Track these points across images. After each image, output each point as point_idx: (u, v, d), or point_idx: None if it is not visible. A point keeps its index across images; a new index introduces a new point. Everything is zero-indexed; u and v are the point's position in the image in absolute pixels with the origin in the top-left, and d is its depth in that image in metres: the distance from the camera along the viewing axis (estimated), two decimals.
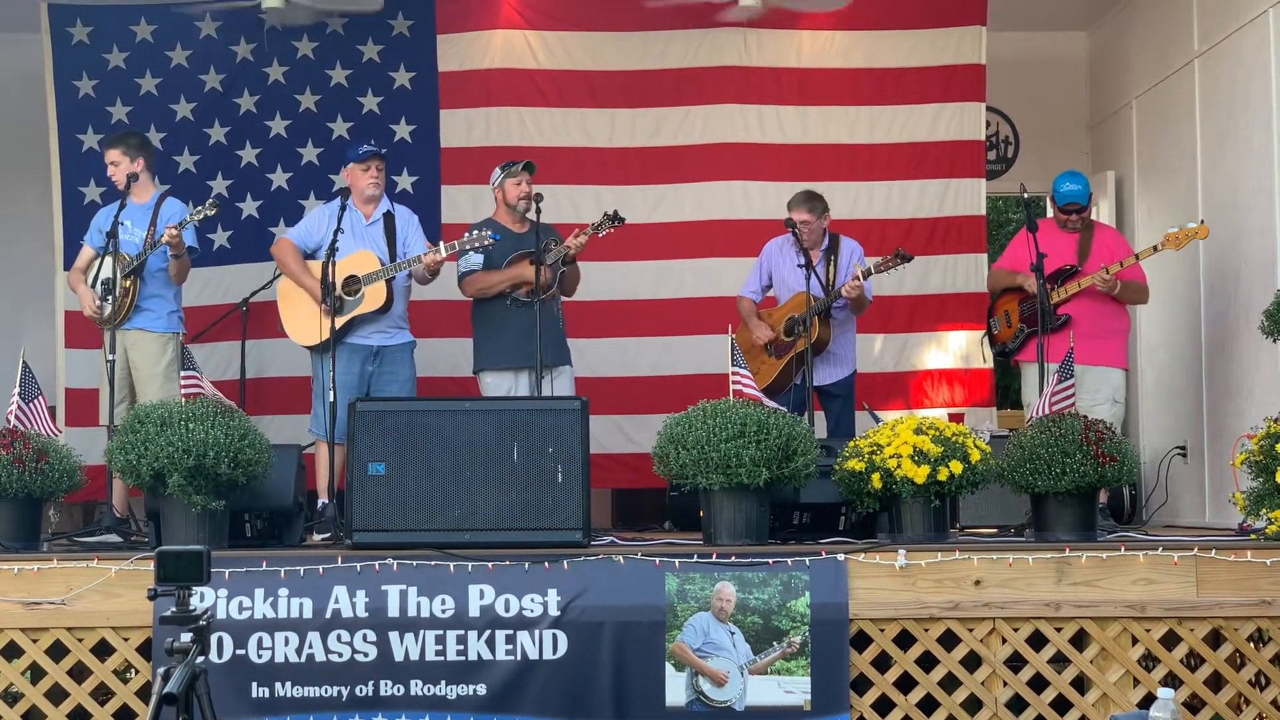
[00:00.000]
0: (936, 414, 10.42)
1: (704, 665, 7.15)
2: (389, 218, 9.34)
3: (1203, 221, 9.20)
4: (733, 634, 7.17)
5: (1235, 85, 9.62)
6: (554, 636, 7.15)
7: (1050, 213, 9.67)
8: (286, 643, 7.13)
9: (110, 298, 8.86)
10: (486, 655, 7.14)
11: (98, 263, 9.00)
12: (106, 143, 9.57)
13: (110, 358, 8.80)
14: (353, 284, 8.98)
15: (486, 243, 9.05)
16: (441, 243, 9.11)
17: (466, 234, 9.09)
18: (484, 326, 9.43)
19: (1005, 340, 9.59)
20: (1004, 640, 7.30)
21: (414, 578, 7.21)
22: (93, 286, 9.00)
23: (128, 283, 9.03)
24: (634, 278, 10.73)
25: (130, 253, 9.05)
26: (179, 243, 8.88)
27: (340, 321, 8.82)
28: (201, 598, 6.99)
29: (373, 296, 9.05)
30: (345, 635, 7.14)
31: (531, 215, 9.14)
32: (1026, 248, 9.17)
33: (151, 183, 9.38)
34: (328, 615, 7.15)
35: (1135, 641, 7.32)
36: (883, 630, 7.28)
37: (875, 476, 7.54)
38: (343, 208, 9.00)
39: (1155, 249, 9.20)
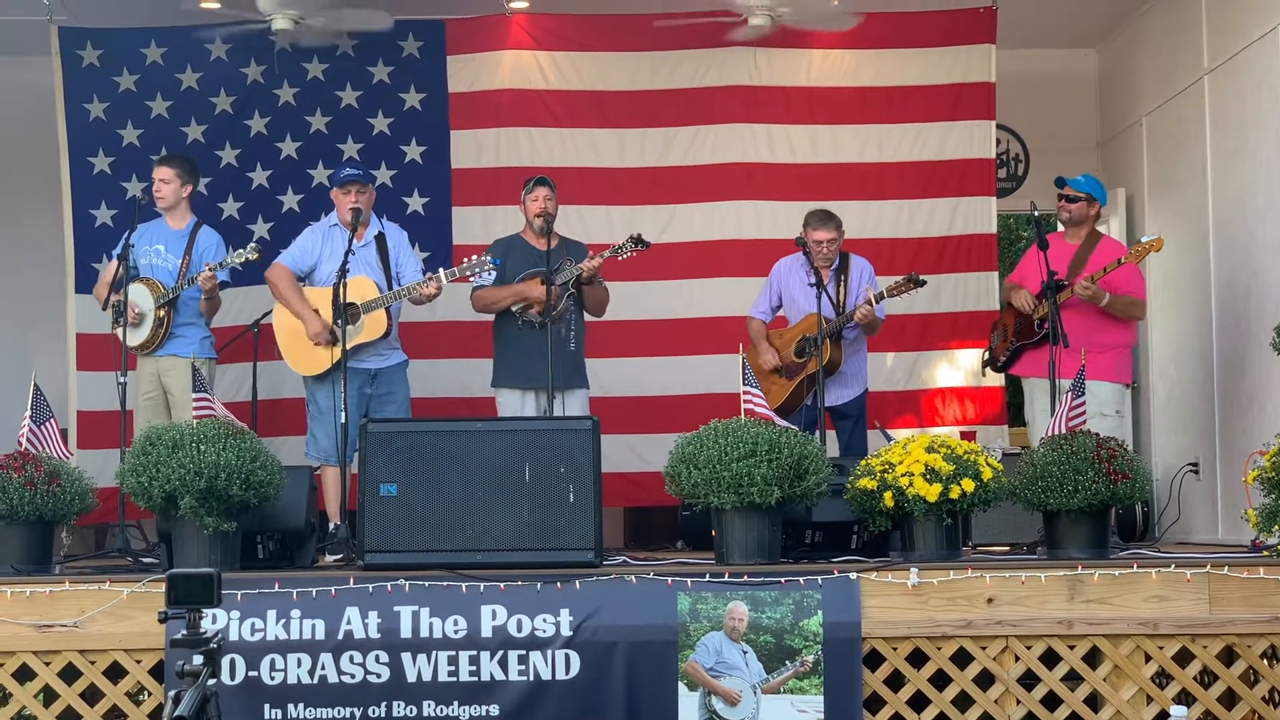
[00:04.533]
0: (948, 432, 10.42)
1: (717, 685, 7.14)
2: (380, 239, 9.33)
3: (1158, 235, 9.21)
4: (745, 653, 7.16)
5: (1245, 102, 9.62)
6: (566, 656, 7.15)
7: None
8: (299, 664, 7.13)
9: (121, 320, 8.93)
10: (499, 675, 7.13)
11: (121, 282, 9.05)
12: (161, 160, 9.67)
13: (122, 380, 8.84)
14: (351, 311, 8.94)
15: (486, 269, 9.06)
16: (441, 270, 9.10)
17: (466, 260, 9.10)
18: (499, 344, 9.49)
19: (1000, 354, 9.62)
20: (1017, 658, 7.29)
21: (426, 598, 7.20)
22: (105, 308, 9.12)
23: (162, 312, 9.14)
24: (645, 297, 10.73)
25: (163, 279, 9.15)
26: (212, 285, 8.97)
27: (339, 351, 8.80)
28: (213, 620, 6.99)
29: (372, 325, 9.04)
30: (358, 656, 7.14)
31: (558, 231, 9.29)
32: (1033, 263, 9.22)
33: (189, 211, 9.47)
34: (340, 636, 7.15)
35: (1148, 659, 7.30)
36: (895, 649, 7.27)
37: (887, 495, 7.53)
38: (354, 229, 8.99)
39: (1119, 262, 9.20)
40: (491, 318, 9.51)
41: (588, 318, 9.56)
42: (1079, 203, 9.45)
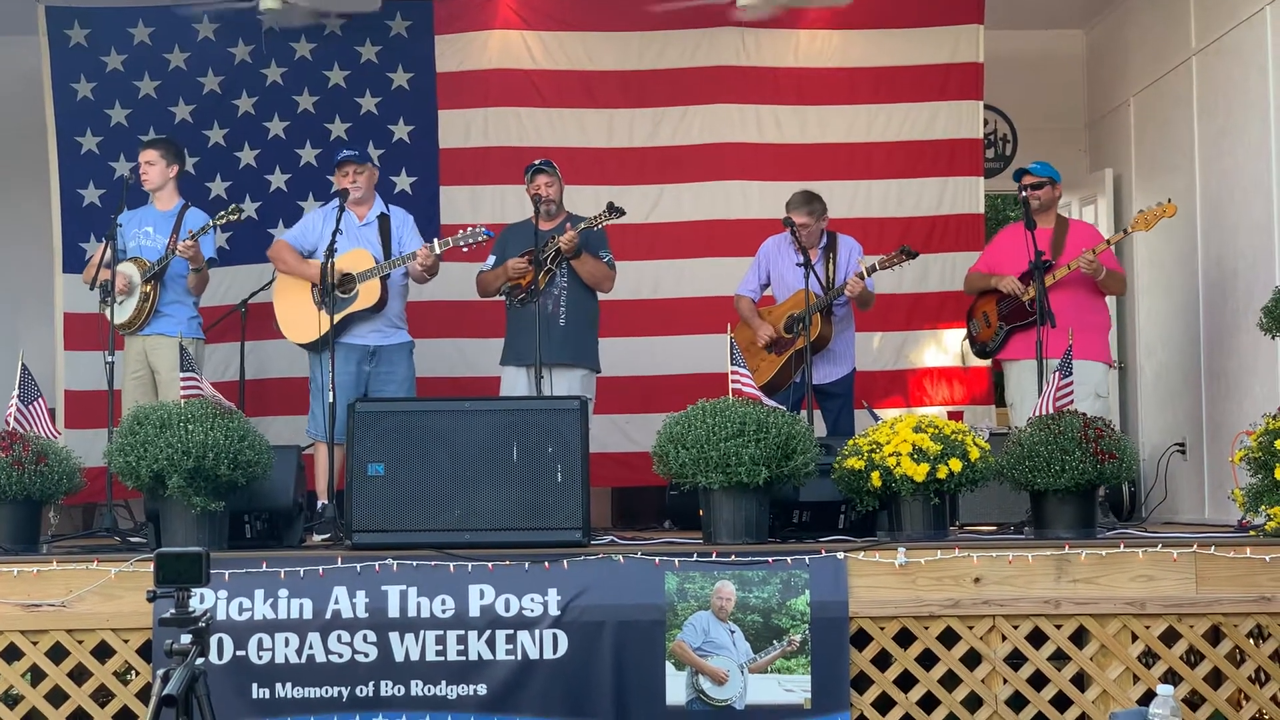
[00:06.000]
0: (935, 412, 10.44)
1: (704, 664, 7.15)
2: (384, 219, 9.40)
3: (1170, 200, 9.22)
4: (733, 632, 7.17)
5: (1233, 82, 9.63)
6: (554, 636, 7.15)
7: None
8: (287, 644, 7.13)
9: (109, 299, 8.94)
10: (487, 655, 7.14)
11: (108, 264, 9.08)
12: (147, 143, 9.69)
13: (110, 359, 8.83)
14: (347, 282, 9.03)
15: (480, 239, 9.11)
16: (435, 239, 9.17)
17: (462, 231, 9.16)
18: (506, 324, 9.54)
19: (986, 340, 9.62)
20: (1004, 638, 7.30)
21: (414, 578, 7.20)
22: (93, 288, 9.13)
23: (147, 288, 9.16)
24: (633, 277, 10.72)
25: (152, 259, 9.16)
26: (196, 254, 9.00)
27: (335, 318, 8.83)
28: (201, 599, 7.00)
29: (366, 294, 9.11)
30: (345, 636, 7.14)
31: (563, 213, 9.49)
32: (1005, 248, 9.28)
33: (176, 192, 9.49)
34: (328, 616, 7.15)
35: (1135, 638, 7.32)
36: (883, 628, 7.28)
37: (875, 474, 7.54)
38: (341, 209, 9.02)
39: (1126, 231, 9.33)
40: (503, 299, 9.54)
41: (600, 296, 9.58)
42: (1044, 187, 9.49)
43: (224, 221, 9.18)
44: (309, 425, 9.36)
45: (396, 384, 9.28)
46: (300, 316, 9.22)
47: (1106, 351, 9.56)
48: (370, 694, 7.11)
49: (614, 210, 9.14)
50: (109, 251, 9.02)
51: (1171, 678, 7.30)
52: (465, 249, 9.24)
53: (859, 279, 9.33)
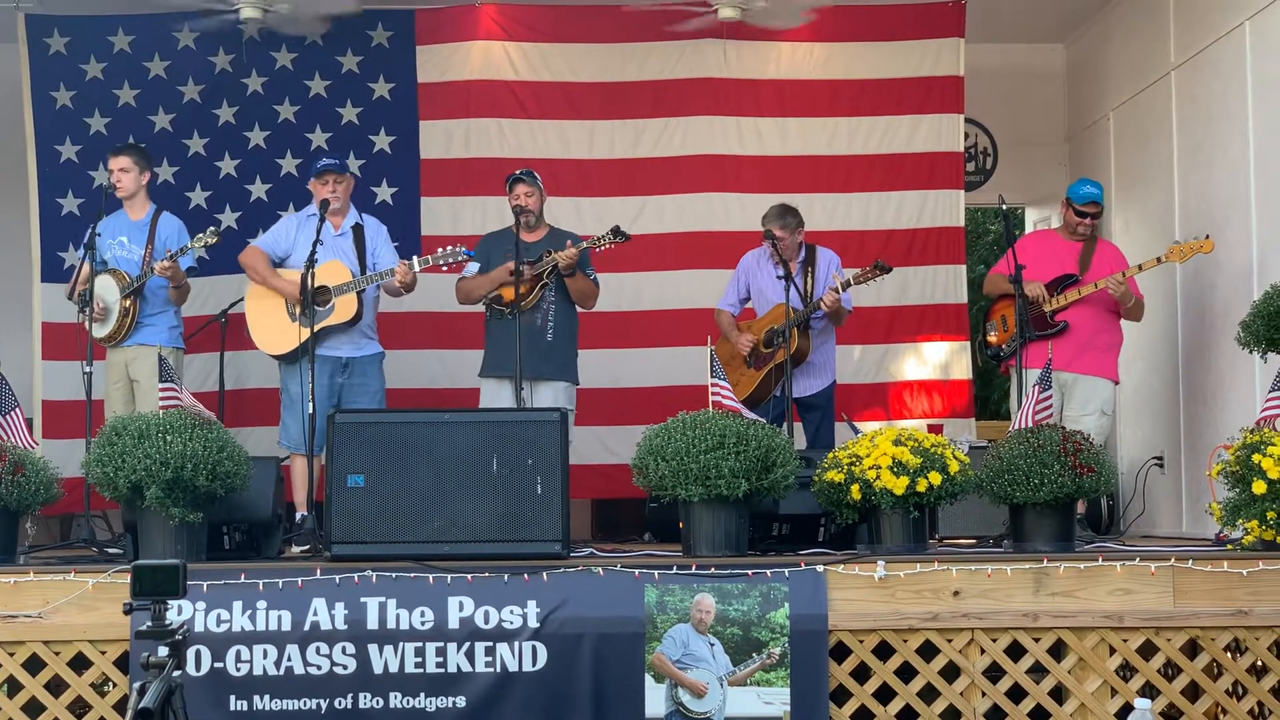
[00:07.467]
0: (915, 425, 10.44)
1: (683, 677, 7.15)
2: (358, 229, 9.36)
3: (1208, 236, 9.19)
4: (712, 645, 7.16)
5: (1212, 97, 9.66)
6: (533, 648, 7.14)
7: (1031, 226, 9.62)
8: (265, 655, 7.11)
9: (89, 309, 8.91)
10: (466, 667, 7.12)
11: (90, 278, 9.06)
12: (117, 150, 9.60)
13: (88, 370, 8.80)
14: (323, 294, 8.99)
15: (459, 258, 9.08)
16: (415, 257, 9.13)
17: (441, 249, 9.12)
18: (486, 335, 9.54)
19: (1000, 344, 9.59)
20: (982, 650, 7.31)
21: (393, 590, 7.19)
22: (70, 299, 9.11)
23: (128, 302, 9.13)
24: (613, 289, 10.69)
25: (127, 270, 9.14)
26: (175, 273, 8.98)
27: (313, 329, 8.80)
28: (179, 611, 6.96)
29: (343, 308, 9.07)
30: (324, 647, 7.12)
31: (545, 225, 9.47)
32: (1027, 254, 9.24)
33: (148, 199, 9.46)
34: (306, 628, 7.12)
35: (1113, 651, 7.33)
36: (862, 641, 7.28)
37: (854, 488, 7.54)
38: (322, 219, 8.98)
39: (1159, 260, 9.24)
40: (482, 309, 9.50)
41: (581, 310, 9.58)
42: (1101, 213, 9.55)
43: (201, 245, 9.14)
44: (281, 436, 9.31)
45: (369, 395, 9.26)
46: (273, 327, 9.19)
47: (1115, 370, 9.56)
48: (349, 706, 7.09)
49: (619, 234, 9.11)
50: (88, 264, 9.01)
51: (1149, 691, 7.30)
52: (445, 267, 9.23)
53: (834, 293, 9.32)
